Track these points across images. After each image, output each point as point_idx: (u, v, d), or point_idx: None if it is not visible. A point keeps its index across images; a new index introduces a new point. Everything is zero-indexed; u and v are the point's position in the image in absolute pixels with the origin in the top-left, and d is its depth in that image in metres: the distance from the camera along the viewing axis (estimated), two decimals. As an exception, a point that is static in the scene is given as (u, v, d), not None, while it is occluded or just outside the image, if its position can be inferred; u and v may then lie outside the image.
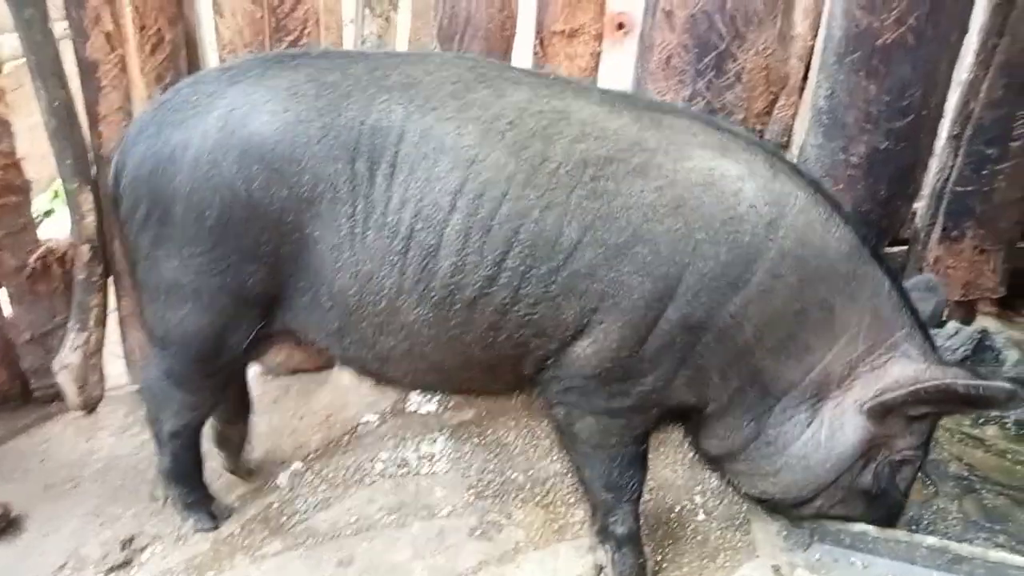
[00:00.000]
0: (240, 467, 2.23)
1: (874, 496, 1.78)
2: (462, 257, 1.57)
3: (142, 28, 2.07)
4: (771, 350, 1.64)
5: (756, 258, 1.56)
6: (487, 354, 1.69)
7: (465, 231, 1.56)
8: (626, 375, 1.66)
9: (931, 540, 1.74)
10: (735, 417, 1.73)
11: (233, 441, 2.20)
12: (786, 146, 2.97)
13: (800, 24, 3.13)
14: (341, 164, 1.58)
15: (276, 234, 1.63)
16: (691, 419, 1.83)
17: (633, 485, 1.86)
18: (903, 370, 1.64)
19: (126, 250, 1.84)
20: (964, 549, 1.71)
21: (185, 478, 2.06)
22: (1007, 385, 1.57)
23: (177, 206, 1.63)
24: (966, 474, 2.35)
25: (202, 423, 2.02)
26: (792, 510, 1.84)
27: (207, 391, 1.91)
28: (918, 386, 1.59)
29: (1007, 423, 2.55)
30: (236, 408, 2.17)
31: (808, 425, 1.70)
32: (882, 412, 1.65)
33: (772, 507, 1.87)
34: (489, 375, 1.78)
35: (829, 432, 1.69)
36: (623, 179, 1.56)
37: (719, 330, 1.60)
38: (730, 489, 1.94)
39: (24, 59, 2.07)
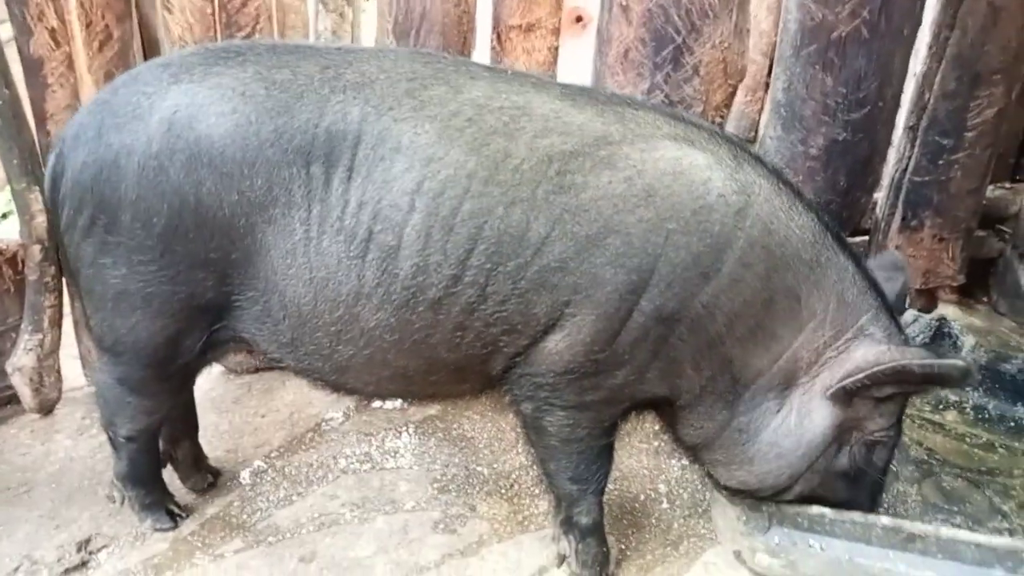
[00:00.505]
0: (196, 483, 2.18)
1: (853, 477, 1.80)
2: (424, 257, 1.55)
3: (88, 24, 2.04)
4: (740, 339, 1.65)
5: (726, 247, 1.57)
6: (454, 355, 1.66)
7: (426, 231, 1.54)
8: (598, 369, 1.65)
9: (885, 520, 1.76)
10: (707, 406, 1.73)
11: (180, 460, 2.15)
12: (753, 141, 3.00)
13: (764, 20, 3.17)
14: (296, 168, 1.54)
15: (226, 240, 1.58)
16: (663, 409, 1.84)
17: (599, 477, 1.86)
18: (865, 354, 1.66)
19: (66, 257, 1.77)
20: (917, 527, 1.74)
21: (142, 480, 2.02)
22: (960, 362, 1.62)
23: (124, 214, 1.58)
24: (926, 458, 2.39)
25: (159, 426, 1.98)
26: (774, 498, 1.84)
27: (162, 395, 1.87)
28: (875, 369, 1.61)
29: (966, 408, 2.60)
30: (181, 427, 2.12)
31: (777, 412, 1.71)
32: (845, 396, 1.67)
33: (754, 496, 1.87)
34: (456, 377, 1.75)
35: (798, 419, 1.70)
36: (590, 171, 1.55)
37: (692, 321, 1.60)
38: (706, 479, 1.95)
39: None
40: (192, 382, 1.98)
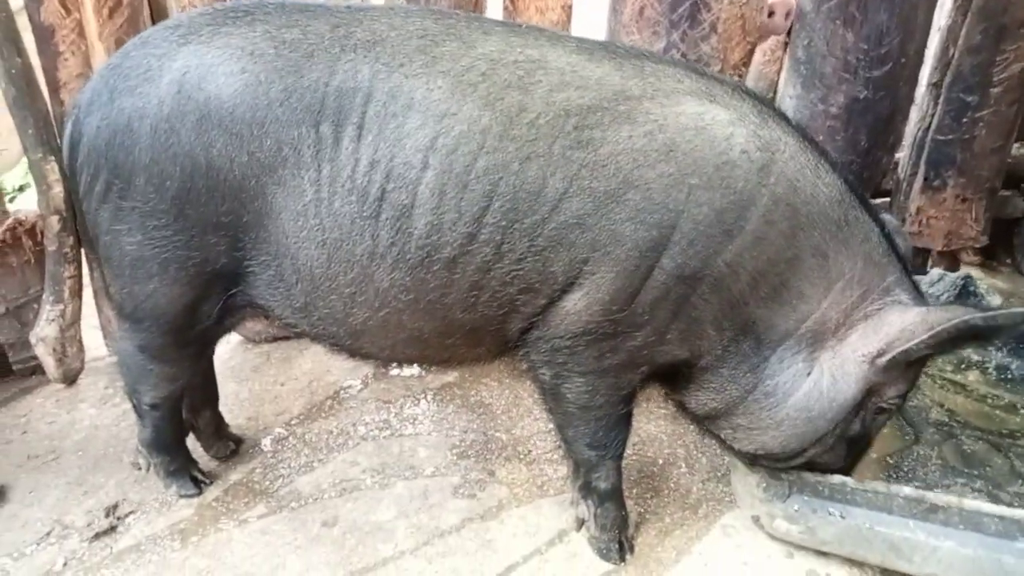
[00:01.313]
0: (219, 450, 2.21)
1: (851, 443, 1.79)
2: (438, 216, 1.52)
3: (98, -10, 2.02)
4: (765, 298, 1.62)
5: (750, 204, 1.53)
6: (470, 316, 1.64)
7: (440, 188, 1.51)
8: (617, 330, 1.62)
9: (907, 490, 1.75)
10: (730, 368, 1.70)
11: (202, 428, 2.18)
12: (771, 101, 2.94)
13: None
14: (305, 128, 1.52)
15: (237, 203, 1.57)
16: (680, 377, 1.80)
17: (617, 443, 1.86)
18: (902, 317, 1.62)
19: (85, 225, 1.77)
20: (940, 498, 1.72)
21: (167, 447, 2.05)
22: (1020, 309, 1.56)
23: (137, 178, 1.57)
24: (946, 420, 2.37)
25: (182, 393, 2.00)
26: (782, 462, 1.82)
27: (184, 362, 1.88)
28: (939, 328, 1.54)
29: (988, 368, 2.57)
30: (201, 396, 2.15)
31: (808, 375, 1.67)
32: (902, 362, 1.62)
33: (759, 460, 1.85)
34: (472, 340, 1.73)
35: (831, 381, 1.66)
36: (609, 126, 1.51)
37: (714, 280, 1.57)
38: (723, 446, 1.91)
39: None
40: (212, 349, 1.99)
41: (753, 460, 1.87)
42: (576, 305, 1.60)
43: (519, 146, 1.51)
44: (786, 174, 1.55)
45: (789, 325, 1.65)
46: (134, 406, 1.99)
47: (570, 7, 2.41)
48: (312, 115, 1.52)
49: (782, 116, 1.66)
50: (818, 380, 1.67)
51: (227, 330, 1.88)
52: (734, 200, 1.52)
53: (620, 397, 1.78)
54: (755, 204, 1.53)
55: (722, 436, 1.84)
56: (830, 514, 1.82)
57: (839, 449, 1.79)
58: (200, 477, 2.11)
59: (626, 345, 1.66)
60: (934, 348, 1.59)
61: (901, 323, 1.61)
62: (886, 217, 1.79)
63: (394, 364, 1.91)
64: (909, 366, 1.67)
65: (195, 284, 1.68)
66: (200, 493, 2.08)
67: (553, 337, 1.67)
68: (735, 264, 1.56)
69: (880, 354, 1.62)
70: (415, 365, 2.60)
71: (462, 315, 1.64)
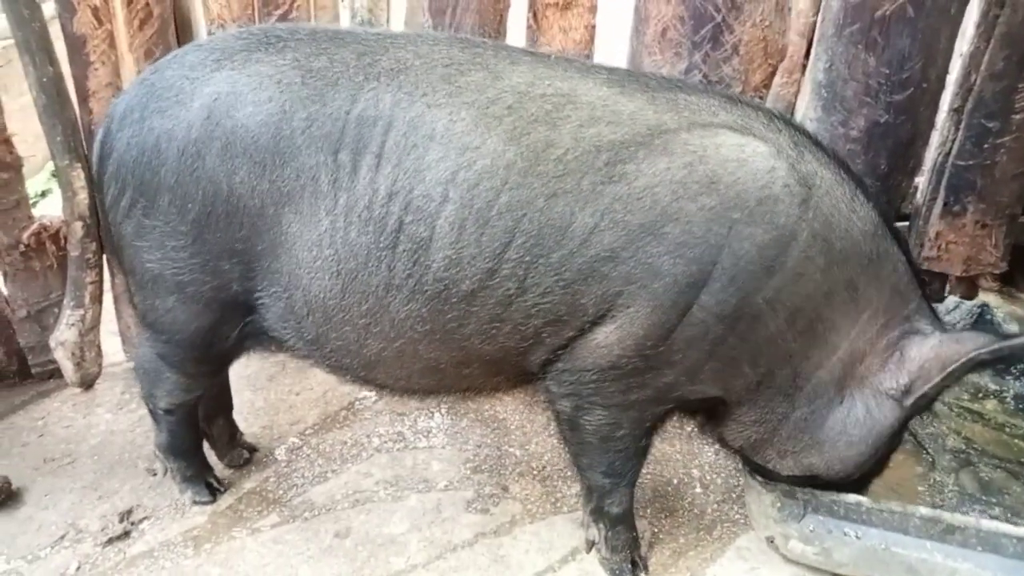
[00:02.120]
0: (233, 459, 2.22)
1: (893, 448, 1.82)
2: (457, 250, 1.50)
3: (130, 2, 2.05)
4: (801, 333, 1.61)
5: (791, 240, 1.50)
6: (489, 347, 1.61)
7: (460, 223, 1.48)
8: (648, 366, 1.59)
9: (924, 510, 1.74)
10: (766, 400, 1.69)
11: (216, 436, 2.19)
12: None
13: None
14: (324, 155, 1.51)
15: (253, 231, 1.57)
16: (715, 411, 1.79)
17: (634, 472, 1.85)
18: (920, 350, 1.65)
19: (110, 235, 1.80)
20: (957, 519, 1.71)
21: (183, 452, 2.06)
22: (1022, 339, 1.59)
23: (162, 198, 1.59)
24: (964, 447, 2.35)
25: (197, 401, 2.01)
26: (835, 484, 1.83)
27: (200, 377, 1.89)
28: (948, 370, 1.60)
29: (1006, 398, 2.55)
30: (216, 405, 2.16)
31: (840, 403, 1.70)
32: (924, 402, 1.68)
33: (813, 483, 1.85)
34: (490, 370, 1.71)
35: (866, 412, 1.69)
36: (644, 159, 1.48)
37: (752, 317, 1.54)
38: (741, 465, 1.92)
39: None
40: (229, 365, 1.99)
41: (803, 483, 1.85)
42: (608, 338, 1.57)
43: (545, 182, 1.48)
44: (822, 209, 1.54)
45: (822, 356, 1.66)
46: (150, 410, 2.00)
47: (593, 27, 2.42)
48: (331, 143, 1.52)
49: (818, 145, 1.64)
50: (852, 410, 1.70)
51: (246, 352, 1.87)
52: (776, 236, 1.50)
53: (643, 430, 1.76)
54: (796, 240, 1.51)
55: (769, 464, 1.82)
56: (846, 535, 1.81)
57: (884, 460, 1.84)
58: (215, 484, 2.11)
59: (655, 382, 1.63)
60: (952, 383, 1.65)
61: (920, 359, 1.65)
62: None
63: (409, 395, 1.88)
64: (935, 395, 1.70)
65: (210, 307, 1.69)
66: (214, 500, 2.09)
67: (579, 370, 1.64)
68: (774, 301, 1.54)
69: (905, 393, 1.67)
70: (429, 396, 2.53)
71: (481, 346, 1.62)
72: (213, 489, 2.10)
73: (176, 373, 1.86)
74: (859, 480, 1.86)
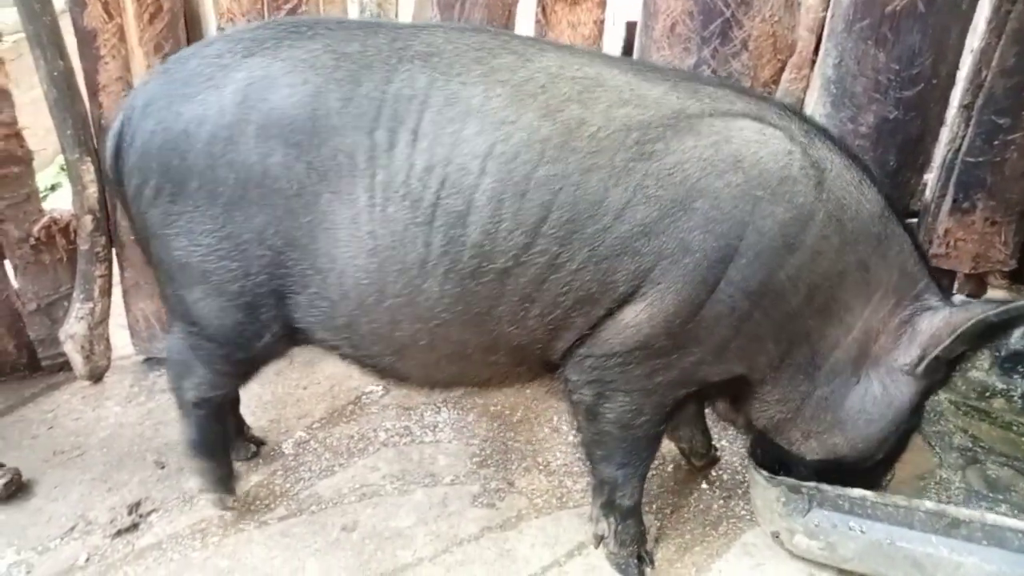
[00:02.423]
0: (240, 452, 2.22)
1: (914, 427, 1.84)
2: (494, 224, 1.51)
3: (140, -3, 2.07)
4: (818, 311, 1.65)
5: (809, 219, 1.56)
6: (517, 331, 1.62)
7: (497, 196, 1.50)
8: (675, 345, 1.61)
9: (929, 504, 1.73)
10: (788, 378, 1.72)
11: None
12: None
13: (811, -6, 3.08)
14: (361, 135, 1.52)
15: (288, 214, 1.56)
16: (737, 395, 1.81)
17: (647, 462, 1.87)
18: (931, 322, 1.68)
19: (135, 226, 1.78)
20: (962, 513, 1.71)
21: (212, 451, 2.00)
22: None
23: (190, 183, 1.58)
24: (970, 445, 2.35)
25: (226, 398, 1.98)
26: (860, 463, 1.83)
27: (230, 376, 1.87)
28: (958, 331, 1.61)
29: (1013, 396, 2.54)
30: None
31: (857, 383, 1.73)
32: (936, 366, 1.69)
33: (833, 467, 1.84)
34: (516, 357, 1.71)
35: (882, 389, 1.72)
36: (673, 139, 1.52)
37: (775, 294, 1.58)
38: (747, 459, 1.92)
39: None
40: (260, 367, 1.90)
41: (827, 468, 1.85)
42: (637, 317, 1.58)
43: (580, 157, 1.51)
44: (834, 191, 1.59)
45: (838, 335, 1.69)
46: (177, 402, 1.96)
47: (602, 22, 2.42)
48: (368, 122, 1.53)
49: (827, 135, 1.69)
50: (869, 388, 1.73)
51: (274, 353, 1.83)
52: (796, 215, 1.55)
53: (662, 416, 1.78)
54: (813, 219, 1.56)
55: (795, 448, 1.84)
56: (851, 529, 1.80)
57: (901, 443, 1.85)
58: (233, 498, 2.06)
59: (681, 362, 1.65)
60: (964, 347, 1.66)
61: (931, 329, 1.67)
62: None
63: (431, 388, 1.85)
64: (954, 362, 1.72)
65: (239, 298, 1.67)
66: (229, 508, 2.06)
67: (604, 355, 1.65)
68: (795, 278, 1.58)
69: (919, 360, 1.68)
70: (451, 388, 2.40)
71: (510, 329, 1.63)
72: (231, 494, 2.07)
73: (205, 368, 1.84)
74: (883, 462, 1.87)
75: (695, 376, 1.69)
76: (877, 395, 1.72)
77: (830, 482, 1.82)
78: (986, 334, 1.65)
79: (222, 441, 2.05)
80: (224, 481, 2.03)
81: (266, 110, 1.53)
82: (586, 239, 1.52)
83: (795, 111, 1.69)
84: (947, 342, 1.63)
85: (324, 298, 1.64)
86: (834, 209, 1.58)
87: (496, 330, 1.63)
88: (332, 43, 1.58)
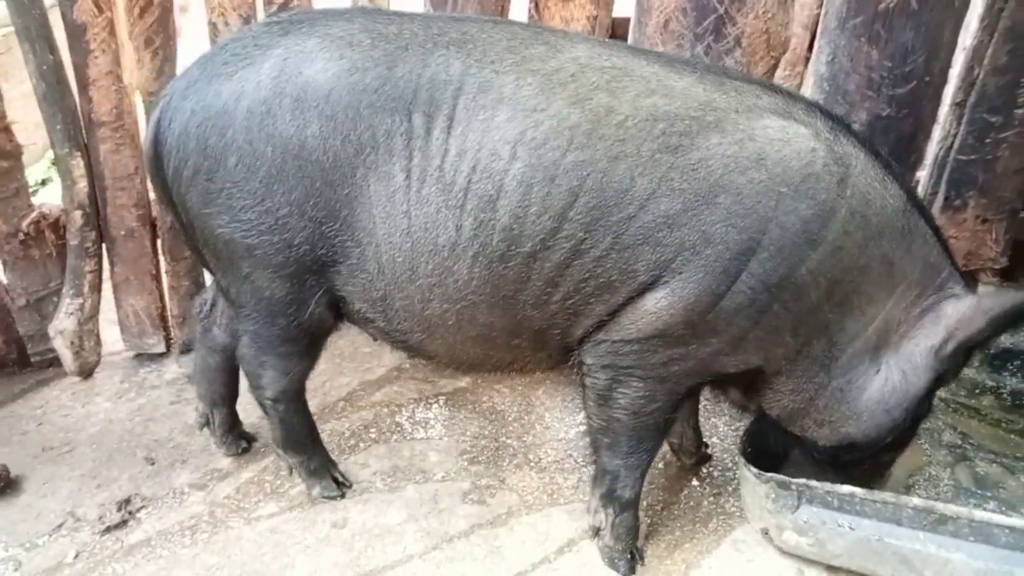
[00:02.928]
0: (231, 447, 2.23)
1: (920, 418, 1.84)
2: (523, 208, 1.55)
3: (130, -10, 2.05)
4: (839, 304, 1.66)
5: (832, 215, 1.57)
6: (540, 314, 1.66)
7: (527, 180, 1.54)
8: (693, 335, 1.64)
9: (917, 501, 1.74)
10: (804, 369, 1.74)
11: (217, 424, 2.20)
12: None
13: (806, -9, 3.08)
14: (398, 117, 1.56)
15: (327, 186, 1.59)
16: (752, 384, 1.83)
17: (653, 452, 1.88)
18: (958, 308, 1.69)
19: (175, 213, 1.81)
20: (950, 509, 1.71)
21: (300, 445, 2.07)
22: None
23: (229, 158, 1.60)
24: (959, 442, 2.36)
25: (301, 386, 2.00)
26: (865, 451, 1.84)
27: (293, 356, 1.89)
28: (995, 312, 1.62)
29: (1003, 394, 2.55)
30: (221, 392, 2.17)
31: (877, 372, 1.74)
32: (958, 351, 1.70)
33: (845, 455, 1.85)
34: (538, 341, 1.74)
35: (901, 376, 1.73)
36: (698, 134, 1.55)
37: (796, 288, 1.60)
38: (737, 456, 1.93)
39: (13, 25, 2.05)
40: (321, 345, 1.95)
41: (836, 453, 1.86)
42: (658, 304, 1.61)
43: (608, 145, 1.54)
44: (859, 187, 1.61)
45: (858, 327, 1.71)
46: (260, 404, 2.01)
47: (595, 18, 2.41)
48: (405, 104, 1.56)
49: (851, 131, 1.70)
50: (889, 376, 1.74)
51: (332, 326, 1.86)
52: (818, 211, 1.56)
53: (673, 404, 1.80)
54: (836, 215, 1.58)
55: (808, 435, 1.85)
56: (839, 526, 1.81)
57: (911, 430, 1.85)
58: (341, 479, 2.13)
59: (699, 352, 1.67)
60: (993, 332, 1.67)
61: (958, 313, 1.69)
62: None
63: (456, 368, 1.90)
64: (968, 352, 1.73)
65: (284, 271, 1.70)
66: (343, 495, 2.10)
67: (620, 339, 1.67)
68: (816, 272, 1.60)
69: (944, 344, 1.69)
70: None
71: (533, 312, 1.67)
72: (340, 483, 2.11)
73: (270, 356, 1.87)
74: (890, 447, 1.87)
75: (712, 366, 1.71)
76: (896, 383, 1.73)
77: (842, 466, 1.85)
78: (1019, 318, 1.65)
79: (309, 432, 2.09)
80: (319, 473, 2.09)
81: (302, 83, 1.56)
82: (610, 226, 1.55)
83: (820, 108, 1.71)
84: (981, 324, 1.63)
85: (363, 270, 1.68)
86: (858, 205, 1.60)
87: (520, 313, 1.67)
88: (368, 24, 1.63)
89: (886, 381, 1.74)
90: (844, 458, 1.86)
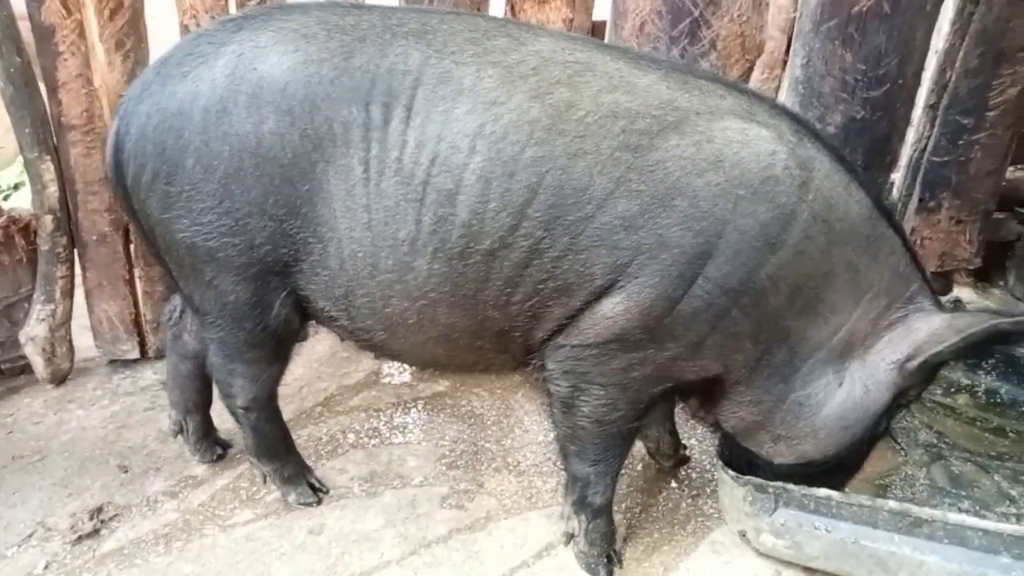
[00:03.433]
0: (205, 454, 2.20)
1: (876, 438, 1.83)
2: (482, 203, 1.52)
3: (99, -9, 2.02)
4: (801, 312, 1.64)
5: (792, 219, 1.55)
6: (501, 315, 1.64)
7: (486, 175, 1.51)
8: (650, 340, 1.61)
9: (892, 504, 1.75)
10: (763, 379, 1.71)
11: (191, 431, 2.18)
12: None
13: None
14: (355, 108, 1.53)
15: (286, 183, 1.56)
16: (711, 394, 1.80)
17: (620, 459, 1.86)
18: (928, 324, 1.66)
19: (139, 225, 1.78)
20: (924, 512, 1.72)
21: (274, 452, 2.04)
22: None
23: (187, 160, 1.57)
24: (935, 441, 2.38)
25: (272, 393, 1.98)
26: (817, 467, 1.82)
27: (262, 360, 1.86)
28: (970, 331, 1.59)
29: (978, 392, 2.57)
30: (194, 398, 2.14)
31: (840, 385, 1.71)
32: (924, 368, 1.67)
33: (797, 472, 1.83)
34: (500, 343, 1.72)
35: (864, 391, 1.70)
36: (657, 134, 1.52)
37: (755, 293, 1.58)
38: (715, 458, 1.92)
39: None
40: (290, 349, 1.93)
41: (791, 470, 1.85)
42: (614, 308, 1.58)
43: (568, 141, 1.51)
44: (822, 191, 1.59)
45: (822, 336, 1.68)
46: (232, 413, 1.98)
47: (571, 21, 2.42)
48: (362, 95, 1.54)
49: (816, 135, 1.68)
50: (851, 391, 1.71)
51: (297, 326, 1.83)
52: (778, 214, 1.54)
53: (636, 412, 1.77)
54: (796, 219, 1.56)
55: (763, 451, 1.83)
56: (816, 528, 1.82)
57: (865, 447, 1.83)
58: (317, 485, 2.11)
59: (657, 357, 1.65)
60: (962, 352, 1.64)
61: (928, 328, 1.66)
62: None
63: (422, 367, 1.88)
64: (934, 368, 1.71)
65: (246, 275, 1.67)
66: (320, 502, 2.08)
67: (579, 344, 1.65)
68: (776, 277, 1.58)
69: (909, 359, 1.66)
70: (406, 371, 2.61)
71: (494, 313, 1.64)
72: (316, 489, 2.09)
73: (239, 363, 1.84)
74: (846, 465, 1.86)
75: (671, 372, 1.68)
76: (858, 398, 1.70)
77: (794, 482, 1.82)
78: (992, 341, 1.63)
79: (282, 439, 2.07)
80: (294, 479, 2.07)
81: (256, 79, 1.54)
82: (568, 226, 1.53)
83: (786, 110, 1.69)
84: (953, 341, 1.61)
85: (325, 267, 1.65)
86: (821, 209, 1.58)
87: (481, 314, 1.64)
88: (324, 16, 1.60)
89: (848, 396, 1.71)
90: (807, 472, 1.83)
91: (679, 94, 1.58)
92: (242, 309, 1.72)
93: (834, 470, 1.84)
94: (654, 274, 1.54)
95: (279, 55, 1.54)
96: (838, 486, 1.90)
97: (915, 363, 1.65)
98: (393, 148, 1.53)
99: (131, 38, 2.14)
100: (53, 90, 2.15)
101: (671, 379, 1.71)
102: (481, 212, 1.53)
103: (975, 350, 1.68)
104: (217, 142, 1.55)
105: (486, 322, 1.66)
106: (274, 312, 1.73)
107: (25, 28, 2.08)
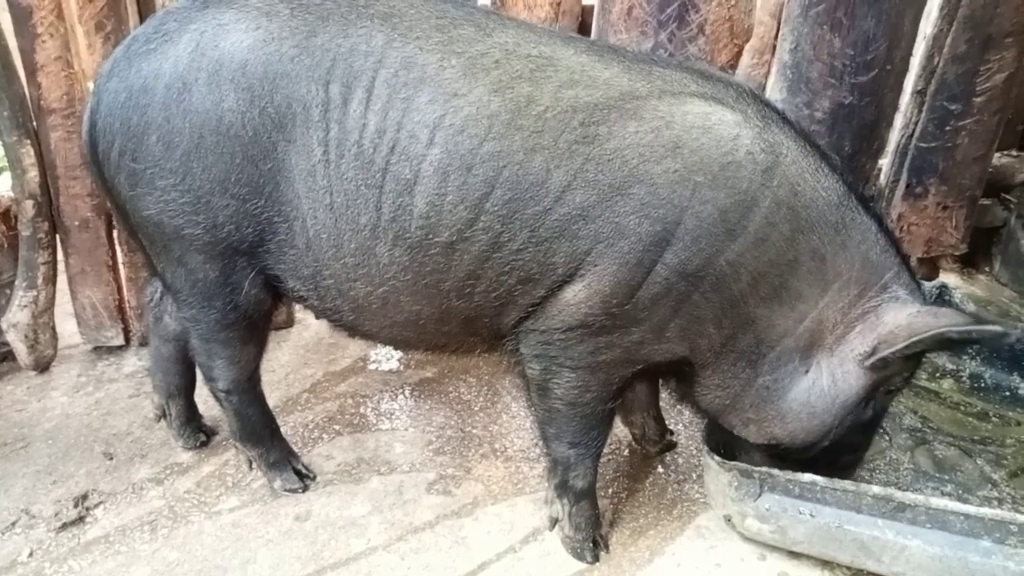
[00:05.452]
0: (189, 440, 2.20)
1: (869, 424, 1.82)
2: (440, 196, 1.52)
3: (78, -29, 1.99)
4: (765, 298, 1.63)
5: (753, 205, 1.54)
6: (466, 305, 1.65)
7: (443, 169, 1.51)
8: (615, 325, 1.62)
9: (876, 489, 1.76)
10: (729, 364, 1.71)
11: (175, 416, 2.17)
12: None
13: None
14: (315, 86, 1.53)
15: (248, 162, 1.56)
16: (683, 375, 1.81)
17: (599, 441, 1.86)
18: (896, 317, 1.64)
19: (114, 203, 1.78)
20: (907, 497, 1.74)
21: (258, 437, 2.04)
22: (998, 328, 1.58)
23: (149, 137, 1.58)
24: (919, 426, 2.39)
25: (254, 376, 1.98)
26: (800, 452, 1.82)
27: (237, 341, 1.85)
28: (914, 338, 1.58)
29: (962, 377, 2.59)
30: (177, 383, 2.14)
31: (806, 373, 1.70)
32: (884, 365, 1.66)
33: (781, 453, 1.84)
34: (468, 329, 1.73)
35: (831, 381, 1.69)
36: (616, 122, 1.52)
37: (716, 278, 1.58)
38: (702, 444, 1.93)
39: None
40: (264, 330, 1.93)
41: (771, 451, 1.86)
42: (576, 296, 1.60)
43: (525, 136, 1.51)
44: (788, 178, 1.57)
45: (788, 324, 1.67)
46: (216, 398, 1.99)
47: (559, 4, 2.40)
48: (322, 74, 1.53)
49: (785, 120, 1.67)
50: (817, 379, 1.70)
51: (270, 305, 1.83)
52: (738, 200, 1.54)
53: (609, 394, 1.78)
54: (758, 205, 1.55)
55: (734, 431, 1.85)
56: (800, 513, 1.83)
57: (855, 434, 1.81)
58: (304, 471, 2.10)
59: (623, 341, 1.66)
60: (917, 352, 1.63)
61: (893, 323, 1.64)
62: None
63: (395, 348, 1.88)
64: (910, 357, 1.68)
65: (212, 253, 1.67)
66: (306, 488, 2.07)
67: (548, 329, 1.66)
68: (737, 264, 1.57)
69: (870, 353, 1.65)
70: (394, 358, 2.60)
71: (458, 303, 1.64)
72: (302, 475, 2.09)
73: (215, 343, 1.84)
74: (841, 449, 1.84)
75: (639, 355, 1.69)
76: (825, 387, 1.70)
77: (793, 464, 1.83)
78: (943, 347, 1.62)
79: (267, 424, 2.07)
80: (279, 465, 2.07)
81: (217, 56, 1.54)
82: (527, 220, 1.53)
83: (755, 95, 1.67)
84: (900, 345, 1.60)
85: (292, 246, 1.65)
86: (785, 196, 1.56)
87: (445, 303, 1.65)
88: None
89: (813, 384, 1.70)
90: (793, 457, 1.83)
91: (640, 83, 1.57)
92: (211, 287, 1.72)
93: (836, 452, 1.83)
94: (613, 262, 1.55)
95: (241, 32, 1.54)
96: (847, 468, 1.91)
97: (872, 360, 1.65)
98: (353, 130, 1.53)
99: (111, 20, 2.10)
100: (32, 73, 2.12)
101: (639, 361, 1.72)
102: (439, 205, 1.53)
103: (939, 350, 1.64)
104: (178, 119, 1.55)
105: (451, 310, 1.66)
106: (244, 291, 1.73)
107: (2, 9, 2.04)
